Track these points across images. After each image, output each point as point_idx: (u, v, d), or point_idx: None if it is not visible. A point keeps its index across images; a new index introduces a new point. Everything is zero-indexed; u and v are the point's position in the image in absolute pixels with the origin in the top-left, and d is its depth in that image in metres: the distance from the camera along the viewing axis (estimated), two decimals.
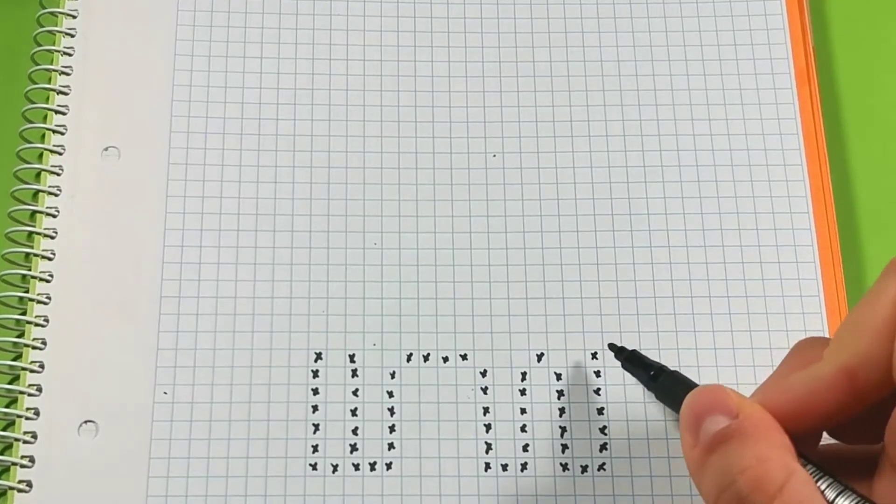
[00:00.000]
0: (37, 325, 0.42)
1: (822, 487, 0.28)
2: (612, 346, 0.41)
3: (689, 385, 0.35)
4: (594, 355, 0.42)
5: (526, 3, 0.48)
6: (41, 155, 0.45)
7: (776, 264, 0.43)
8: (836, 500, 0.28)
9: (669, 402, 0.36)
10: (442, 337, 0.42)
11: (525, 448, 0.41)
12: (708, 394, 0.31)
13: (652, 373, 0.38)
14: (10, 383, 0.41)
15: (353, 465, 0.40)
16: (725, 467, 0.29)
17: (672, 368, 0.38)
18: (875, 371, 0.29)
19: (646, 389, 0.41)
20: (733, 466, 0.28)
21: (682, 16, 0.47)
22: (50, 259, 0.43)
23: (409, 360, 0.42)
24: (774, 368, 0.32)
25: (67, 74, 0.45)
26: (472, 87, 0.46)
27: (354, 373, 0.42)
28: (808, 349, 0.32)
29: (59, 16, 0.46)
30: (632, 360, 0.40)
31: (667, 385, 0.37)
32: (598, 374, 0.42)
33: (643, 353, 0.40)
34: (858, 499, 0.28)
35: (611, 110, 0.46)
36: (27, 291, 0.42)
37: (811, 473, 0.29)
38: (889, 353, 0.29)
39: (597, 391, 0.41)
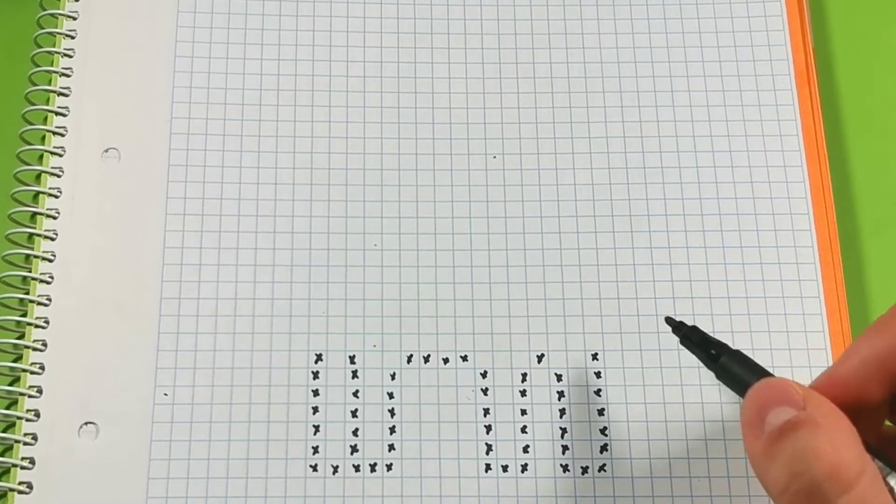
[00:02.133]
0: (37, 326, 0.42)
1: (891, 483, 0.29)
2: (669, 321, 0.38)
3: (752, 367, 0.34)
4: (595, 356, 0.42)
5: (526, 4, 0.48)
6: (41, 157, 0.45)
7: (776, 265, 0.43)
8: None
9: (731, 383, 0.35)
10: (442, 338, 0.42)
11: (525, 449, 0.41)
12: (773, 386, 0.30)
13: (713, 351, 0.36)
14: (10, 385, 0.41)
15: (354, 466, 0.40)
16: (798, 454, 0.28)
17: (734, 348, 0.36)
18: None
19: (646, 389, 0.41)
20: (808, 452, 0.28)
21: (682, 16, 0.47)
22: (50, 261, 0.43)
23: (409, 361, 0.42)
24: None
25: (68, 76, 0.45)
26: (472, 87, 0.46)
27: (355, 374, 0.42)
28: (888, 324, 0.32)
29: (60, 17, 0.46)
30: (691, 338, 0.37)
31: (728, 366, 0.35)
32: (598, 375, 0.42)
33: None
34: None
35: (611, 111, 0.46)
36: (27, 293, 0.42)
37: (880, 467, 0.29)
38: None
39: (597, 392, 0.41)
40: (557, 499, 0.40)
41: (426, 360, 0.42)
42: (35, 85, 0.45)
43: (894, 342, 0.30)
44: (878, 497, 0.28)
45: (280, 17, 0.47)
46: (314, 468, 0.40)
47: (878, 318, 0.31)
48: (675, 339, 0.37)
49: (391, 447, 0.41)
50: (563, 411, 0.41)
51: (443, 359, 0.42)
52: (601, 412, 0.41)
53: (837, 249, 0.44)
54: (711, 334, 0.36)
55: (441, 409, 0.41)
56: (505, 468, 0.40)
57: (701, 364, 0.36)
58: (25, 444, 0.40)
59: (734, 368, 0.35)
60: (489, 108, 0.46)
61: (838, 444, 0.28)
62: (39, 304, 0.42)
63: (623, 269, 0.43)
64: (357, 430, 0.41)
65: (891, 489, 0.28)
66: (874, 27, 0.50)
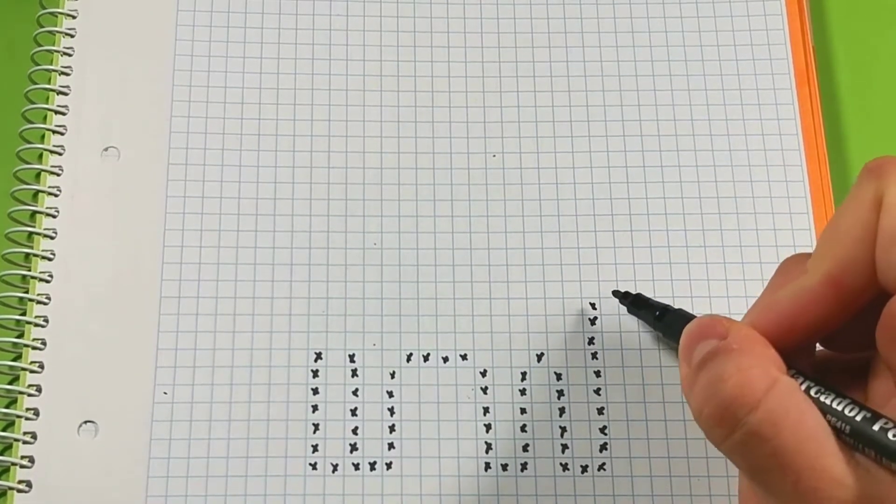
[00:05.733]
0: (36, 325, 0.42)
1: (815, 395, 0.29)
2: (616, 293, 0.42)
3: (691, 319, 0.35)
4: (594, 355, 0.42)
5: (526, 3, 0.48)
6: (41, 155, 0.45)
7: (776, 265, 0.43)
8: (830, 405, 0.28)
9: (675, 338, 0.36)
10: (442, 337, 0.42)
11: (525, 448, 0.41)
12: (701, 323, 0.31)
13: (658, 312, 0.40)
14: (9, 383, 0.41)
15: (353, 464, 0.40)
16: (709, 380, 0.29)
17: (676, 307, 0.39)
18: (859, 276, 0.29)
19: (646, 388, 0.41)
20: (716, 377, 0.29)
21: (681, 16, 0.47)
22: (50, 259, 0.43)
23: (409, 360, 0.42)
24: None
25: (67, 75, 0.45)
26: (471, 87, 0.46)
27: (354, 373, 0.42)
28: (792, 266, 0.33)
29: (59, 16, 0.46)
30: (637, 303, 0.41)
31: (671, 322, 0.39)
32: (597, 373, 0.42)
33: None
34: (850, 403, 0.28)
35: (611, 110, 0.46)
36: (27, 292, 0.42)
37: (802, 384, 0.29)
38: (871, 257, 0.29)
39: (597, 391, 0.41)
40: (557, 497, 0.40)
41: (426, 358, 0.42)
42: (35, 83, 0.45)
43: (838, 264, 0.30)
44: (790, 408, 0.28)
45: (280, 17, 0.47)
46: (314, 466, 0.40)
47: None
48: (671, 322, 0.39)
49: (391, 446, 0.41)
50: (562, 410, 0.41)
51: (442, 357, 0.42)
52: (601, 411, 0.41)
53: None
54: None
55: (441, 408, 0.41)
56: (504, 467, 0.40)
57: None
58: (25, 442, 0.40)
59: (677, 324, 0.37)
60: (489, 108, 0.46)
61: (745, 365, 0.29)
62: (39, 302, 0.42)
63: (623, 268, 0.43)
64: (357, 428, 0.41)
65: (816, 400, 0.29)
66: (874, 27, 0.50)
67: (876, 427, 0.27)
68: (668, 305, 0.40)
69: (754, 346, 0.30)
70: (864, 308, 0.30)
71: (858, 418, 0.28)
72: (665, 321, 0.40)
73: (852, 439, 0.28)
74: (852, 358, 0.32)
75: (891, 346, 0.29)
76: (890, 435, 0.27)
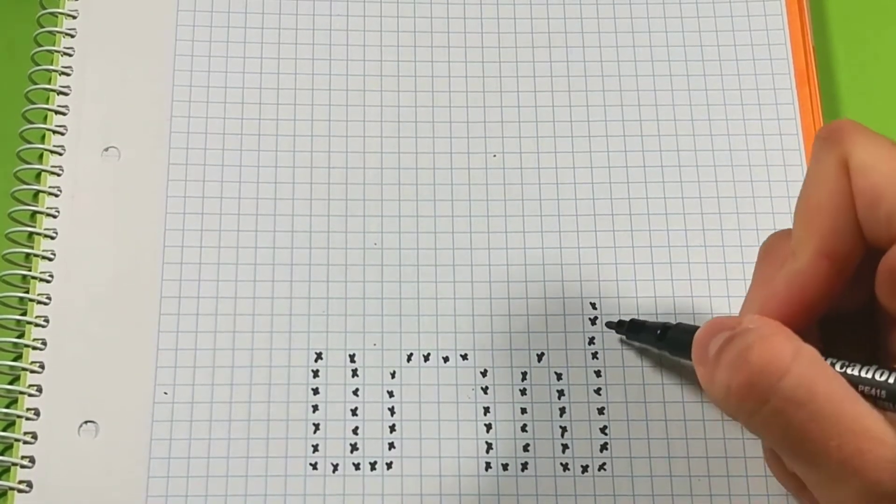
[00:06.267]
0: (37, 325, 0.42)
1: (840, 369, 0.29)
2: (609, 324, 0.42)
3: (695, 330, 0.35)
4: (595, 355, 0.42)
5: (526, 3, 0.48)
6: (41, 155, 0.45)
7: None
8: (860, 375, 0.28)
9: (682, 352, 0.35)
10: (442, 337, 0.42)
11: (525, 448, 0.41)
12: (709, 324, 0.31)
13: (658, 332, 0.39)
14: (10, 384, 0.41)
15: (354, 464, 0.40)
16: (733, 357, 0.29)
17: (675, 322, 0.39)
18: (848, 243, 0.30)
19: (646, 388, 0.41)
20: (741, 352, 0.28)
21: (681, 16, 0.47)
22: (50, 259, 0.43)
23: (409, 359, 0.42)
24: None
25: (67, 75, 0.45)
26: (472, 87, 0.46)
27: (355, 372, 0.42)
28: (776, 247, 0.33)
29: (59, 16, 0.46)
30: (634, 329, 0.41)
31: (675, 337, 0.38)
32: (598, 374, 0.42)
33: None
34: (878, 369, 0.28)
35: (611, 110, 0.46)
36: (27, 292, 0.42)
37: (826, 360, 0.29)
38: (855, 221, 0.29)
39: (597, 391, 0.41)
40: (557, 497, 0.40)
41: (426, 358, 0.42)
42: (35, 83, 0.45)
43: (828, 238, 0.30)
44: (819, 371, 0.28)
45: (280, 17, 0.47)
46: (314, 466, 0.40)
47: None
48: (675, 337, 0.38)
49: (391, 445, 0.41)
50: (563, 410, 0.41)
51: (443, 357, 0.42)
52: (601, 411, 0.41)
53: None
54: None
55: (441, 408, 0.41)
56: (505, 467, 0.40)
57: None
58: (25, 442, 0.40)
59: (682, 337, 0.36)
60: (489, 107, 0.46)
61: (767, 333, 0.28)
62: (39, 302, 0.42)
63: (623, 268, 0.43)
64: (357, 428, 0.41)
65: (849, 377, 0.28)
66: (874, 27, 0.50)
67: None
68: (667, 322, 0.40)
69: (770, 322, 0.29)
70: (856, 270, 0.30)
71: (892, 381, 0.27)
72: (668, 338, 0.39)
73: (891, 402, 0.27)
74: (857, 328, 0.32)
75: (892, 297, 0.29)
76: None
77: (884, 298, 0.30)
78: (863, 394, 0.28)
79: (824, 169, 0.30)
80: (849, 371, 0.29)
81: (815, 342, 0.29)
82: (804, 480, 0.29)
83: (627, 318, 0.41)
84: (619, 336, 0.42)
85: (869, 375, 0.28)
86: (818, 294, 0.30)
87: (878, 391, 0.28)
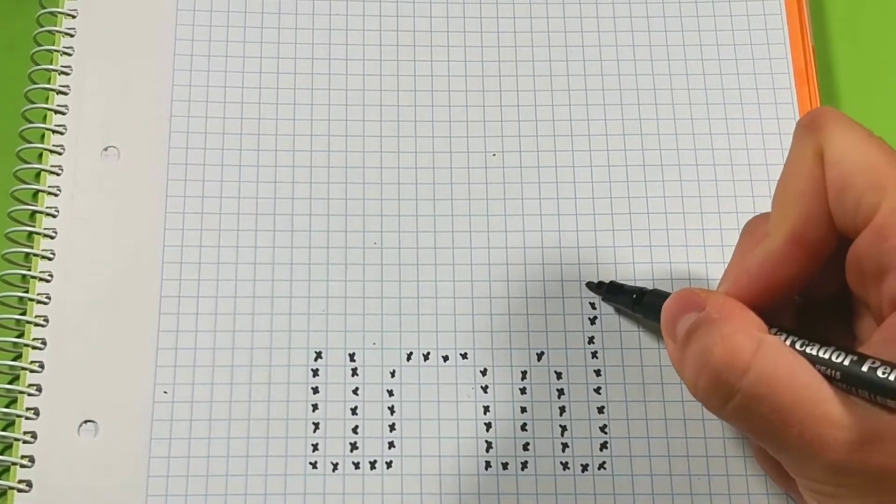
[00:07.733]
0: (36, 324, 0.42)
1: (800, 348, 0.30)
2: (589, 285, 0.42)
3: (668, 296, 0.36)
4: (594, 354, 0.42)
5: (526, 3, 0.48)
6: (41, 155, 0.45)
7: None
8: (817, 355, 0.29)
9: (655, 318, 0.36)
10: (442, 336, 0.42)
11: (525, 447, 0.41)
12: (678, 297, 0.33)
13: (635, 296, 0.40)
14: (9, 383, 0.41)
15: (354, 463, 0.40)
16: (698, 353, 0.30)
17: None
18: (819, 230, 0.31)
19: (646, 387, 0.41)
20: (704, 349, 0.30)
21: (681, 15, 0.47)
22: (50, 259, 0.42)
23: (409, 358, 0.42)
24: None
25: (67, 74, 0.45)
26: (471, 86, 0.46)
27: (354, 371, 0.42)
28: (756, 229, 0.34)
29: (59, 16, 0.46)
30: (612, 290, 0.42)
31: (649, 302, 0.39)
32: (598, 373, 0.42)
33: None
34: (836, 350, 0.29)
35: (611, 110, 0.46)
36: (27, 291, 0.42)
37: (786, 339, 0.30)
38: (826, 210, 0.30)
39: (597, 390, 0.41)
40: (557, 496, 0.40)
41: (426, 357, 0.42)
42: (34, 83, 0.45)
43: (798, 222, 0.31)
44: (780, 364, 0.29)
45: (280, 16, 0.47)
46: (314, 465, 0.40)
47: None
48: (650, 302, 0.39)
49: (391, 444, 0.41)
50: (562, 409, 0.41)
51: (442, 356, 0.42)
52: (601, 410, 0.41)
53: None
54: None
55: (441, 407, 0.41)
56: (505, 466, 0.40)
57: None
58: (25, 442, 0.40)
59: (655, 303, 0.37)
60: (489, 107, 0.46)
61: (728, 332, 0.30)
62: (39, 302, 0.42)
63: (623, 268, 0.43)
64: (357, 427, 0.41)
65: (803, 353, 0.30)
66: (874, 27, 0.50)
67: (864, 368, 0.28)
68: (644, 287, 0.41)
69: (734, 312, 0.31)
70: (831, 257, 0.31)
71: (846, 363, 0.28)
72: (643, 303, 0.40)
73: (844, 384, 0.28)
74: (835, 309, 0.33)
75: (859, 285, 0.31)
76: (879, 373, 0.28)
77: (853, 286, 0.31)
78: (822, 374, 0.29)
79: (801, 157, 0.31)
80: (808, 350, 0.30)
81: (788, 318, 0.31)
82: (780, 461, 0.31)
83: (607, 281, 0.42)
84: (618, 335, 0.42)
85: (826, 356, 0.29)
86: (788, 275, 0.32)
87: (834, 372, 0.29)
